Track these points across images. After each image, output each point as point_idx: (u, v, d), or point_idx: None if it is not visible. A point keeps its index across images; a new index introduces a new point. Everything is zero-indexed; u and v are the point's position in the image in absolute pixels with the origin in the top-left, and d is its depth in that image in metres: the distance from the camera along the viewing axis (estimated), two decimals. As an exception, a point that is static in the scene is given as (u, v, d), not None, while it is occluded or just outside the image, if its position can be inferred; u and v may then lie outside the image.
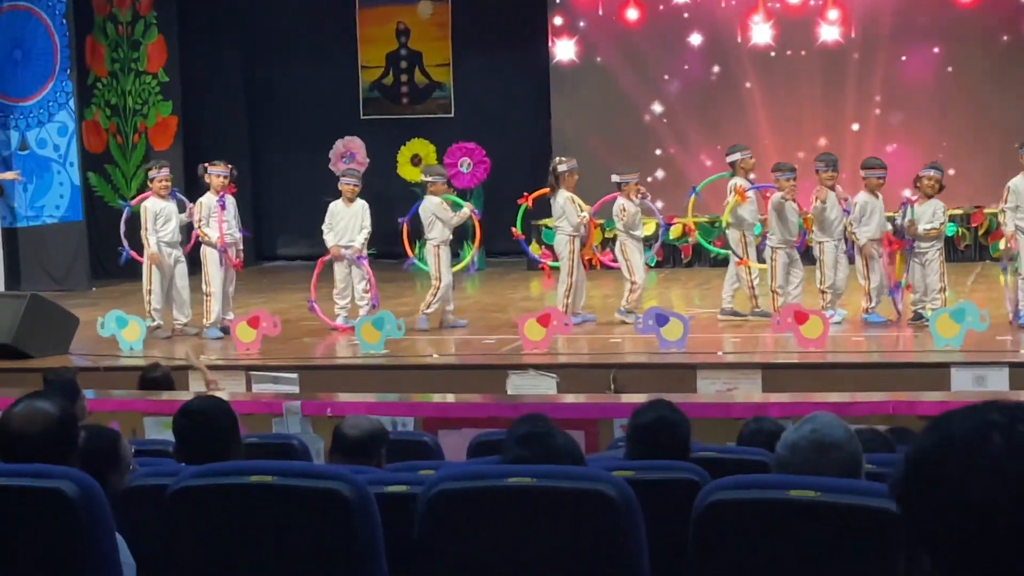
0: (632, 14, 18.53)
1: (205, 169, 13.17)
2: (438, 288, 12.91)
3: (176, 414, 5.27)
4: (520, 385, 10.47)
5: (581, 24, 18.74)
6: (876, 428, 5.91)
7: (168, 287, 13.03)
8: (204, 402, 5.47)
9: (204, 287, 12.98)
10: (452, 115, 19.65)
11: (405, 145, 19.32)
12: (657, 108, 18.62)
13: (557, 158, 13.39)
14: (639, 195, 13.14)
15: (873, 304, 12.32)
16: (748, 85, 18.27)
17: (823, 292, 12.42)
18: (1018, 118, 17.59)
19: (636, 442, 4.86)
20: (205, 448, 4.93)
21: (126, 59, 18.65)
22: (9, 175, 16.65)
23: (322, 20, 19.58)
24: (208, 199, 13.01)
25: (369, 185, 19.17)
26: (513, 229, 13.75)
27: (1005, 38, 17.74)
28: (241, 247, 13.39)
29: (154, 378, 9.56)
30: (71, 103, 17.52)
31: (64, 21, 17.39)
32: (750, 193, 12.87)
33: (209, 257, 12.96)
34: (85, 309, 13.69)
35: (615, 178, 13.25)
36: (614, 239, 13.69)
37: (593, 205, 13.31)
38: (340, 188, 13.38)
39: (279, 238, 20.34)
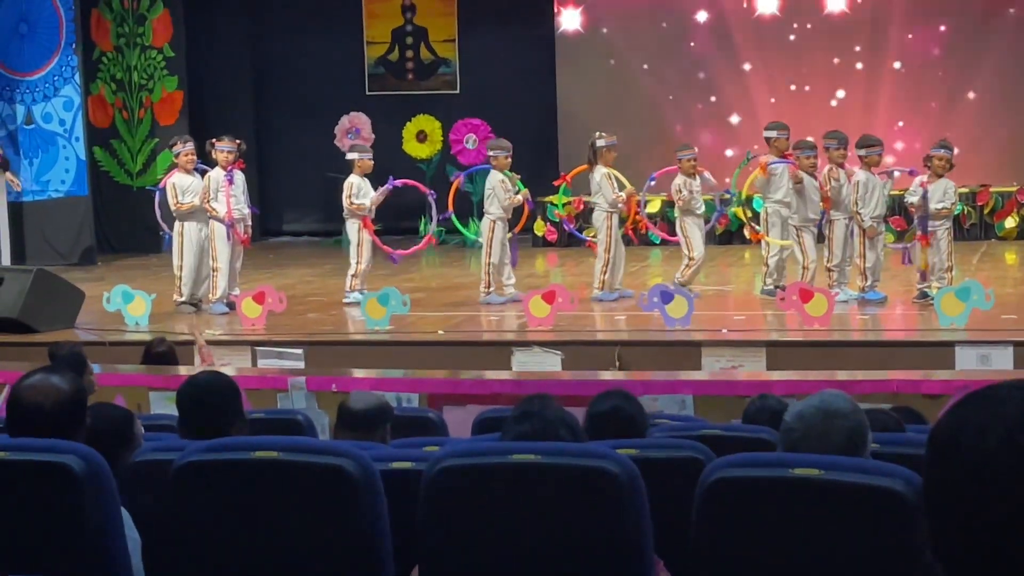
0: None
1: (212, 145, 13.16)
2: (488, 264, 12.89)
3: (179, 389, 5.27)
4: (525, 362, 10.48)
5: None
6: (884, 408, 5.91)
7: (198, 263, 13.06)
8: (208, 377, 5.47)
9: (211, 262, 12.99)
10: (458, 91, 19.62)
11: (411, 121, 19.30)
12: (663, 79, 18.56)
13: (596, 133, 13.28)
14: (696, 172, 13.12)
15: (870, 282, 12.33)
16: (752, 60, 18.21)
17: (830, 270, 12.42)
18: (1025, 97, 17.57)
19: (592, 431, 4.84)
20: (209, 423, 4.93)
21: (132, 33, 18.62)
22: (14, 183, 16.63)
23: (328, -5, 19.55)
24: (216, 174, 13.00)
25: (375, 161, 19.25)
26: (557, 212, 13.68)
27: (1012, 11, 17.67)
28: (249, 223, 13.40)
29: (159, 352, 9.58)
30: (76, 77, 17.50)
31: (69, -5, 17.39)
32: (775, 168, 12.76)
33: (216, 232, 12.96)
34: (91, 284, 13.71)
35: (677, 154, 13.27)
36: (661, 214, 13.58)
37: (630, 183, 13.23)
38: (357, 164, 13.26)
39: (284, 214, 20.33)
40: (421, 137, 19.23)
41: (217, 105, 19.35)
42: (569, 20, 18.70)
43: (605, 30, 18.67)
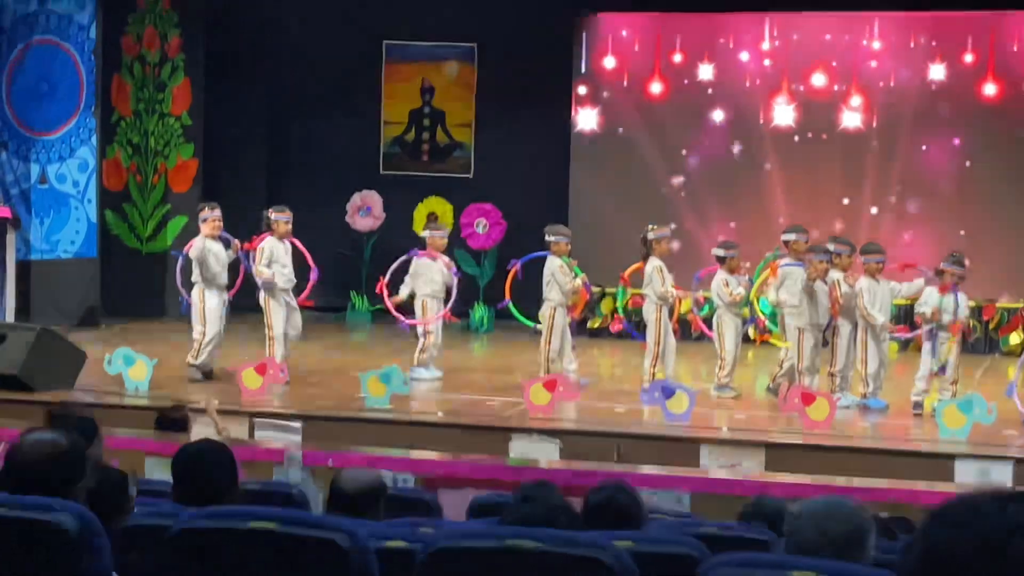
0: (656, 88, 18.62)
1: (269, 215, 13.41)
2: (548, 350, 12.92)
3: (175, 455, 5.26)
4: (523, 449, 10.45)
5: (605, 95, 18.83)
6: (877, 515, 5.88)
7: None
8: (204, 445, 5.45)
9: (267, 330, 13.13)
10: (471, 175, 19.71)
11: (422, 202, 19.37)
12: (676, 181, 18.68)
13: (649, 225, 13.41)
14: (741, 272, 13.14)
15: (871, 389, 12.33)
16: (768, 165, 18.33)
17: (832, 375, 12.42)
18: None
19: (589, 521, 4.82)
20: (203, 491, 4.91)
21: (151, 100, 18.75)
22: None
23: (348, 73, 19.68)
24: (270, 243, 13.20)
25: (384, 241, 19.33)
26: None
27: (1024, 134, 17.78)
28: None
29: (173, 419, 9.52)
30: (93, 139, 17.60)
31: (92, 58, 17.51)
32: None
33: (271, 301, 13.13)
34: (93, 346, 13.70)
35: (718, 252, 13.25)
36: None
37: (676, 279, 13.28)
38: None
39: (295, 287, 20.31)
40: (432, 219, 19.29)
41: (231, 175, 19.44)
42: (586, 120, 18.84)
43: (621, 129, 18.79)
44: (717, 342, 12.94)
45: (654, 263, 12.96)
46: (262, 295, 13.21)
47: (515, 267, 13.77)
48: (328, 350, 15.47)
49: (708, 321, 13.61)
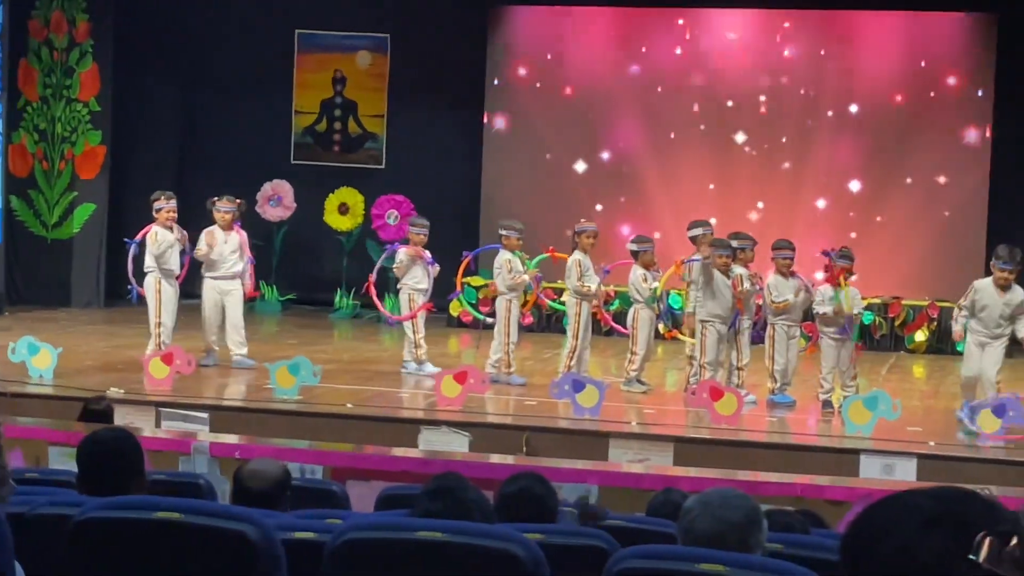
0: (568, 81, 18.67)
1: (212, 204, 13.52)
2: (508, 344, 12.94)
3: (80, 444, 5.18)
4: (432, 441, 10.42)
5: (517, 87, 18.85)
6: (789, 509, 5.93)
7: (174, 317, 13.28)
8: (110, 434, 5.37)
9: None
10: (383, 166, 19.64)
11: (333, 193, 19.27)
12: (586, 177, 18.73)
13: (581, 220, 13.53)
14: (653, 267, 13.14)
15: (779, 385, 12.44)
16: (679, 160, 18.42)
17: (740, 370, 12.53)
18: (943, 215, 17.86)
19: (501, 511, 4.81)
20: (108, 480, 4.84)
21: (59, 85, 18.49)
22: None
23: (260, 62, 19.53)
24: (217, 232, 13.43)
25: (295, 231, 19.22)
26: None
27: (933, 137, 17.99)
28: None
29: (96, 410, 9.38)
30: (-1, 124, 17.35)
31: (-1, 42, 17.26)
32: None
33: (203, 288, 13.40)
34: (-4, 333, 13.51)
35: (632, 247, 13.22)
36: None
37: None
38: (414, 239, 13.40)
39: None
40: (343, 209, 19.20)
41: (140, 162, 19.24)
42: (498, 112, 18.89)
43: (533, 122, 18.80)
44: (631, 336, 12.98)
45: (575, 257, 13.00)
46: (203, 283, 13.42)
47: (467, 259, 13.74)
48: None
49: (617, 316, 13.62)
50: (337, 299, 18.68)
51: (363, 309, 18.62)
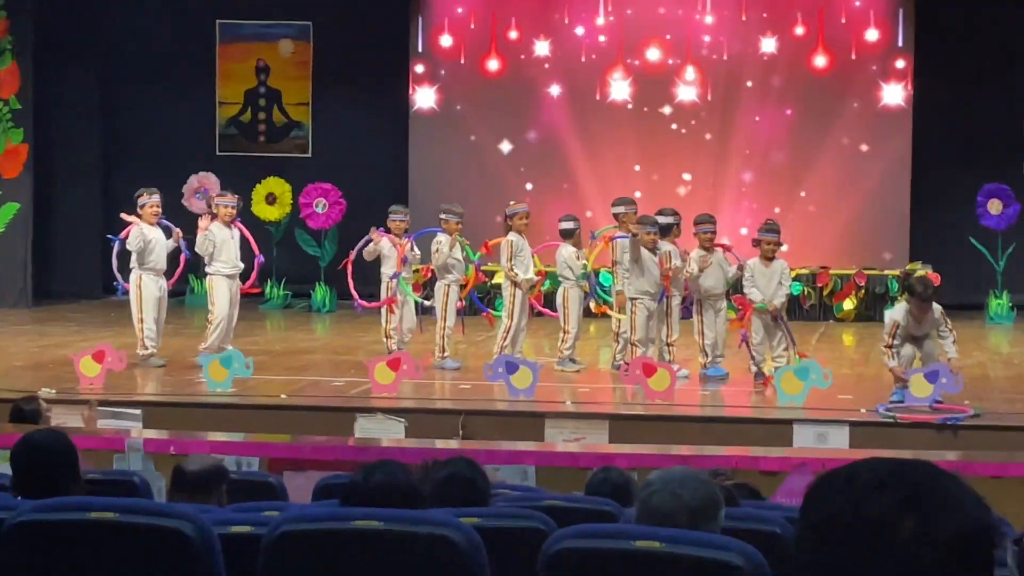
0: (493, 64, 18.68)
1: (213, 199, 13.42)
2: (444, 329, 12.92)
3: (14, 446, 5.15)
4: (368, 428, 10.42)
5: (442, 72, 18.84)
6: (720, 479, 5.97)
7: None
8: (44, 435, 5.35)
9: (208, 314, 13.16)
10: (309, 155, 19.58)
11: (260, 183, 19.17)
12: (513, 157, 18.76)
13: (511, 202, 13.46)
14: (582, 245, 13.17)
15: (710, 359, 12.53)
16: (605, 139, 18.49)
17: (670, 345, 12.62)
18: (867, 183, 18.04)
19: (434, 498, 4.77)
20: (44, 482, 4.82)
21: (-23, 84, 18.28)
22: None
23: (182, 53, 19.40)
24: (216, 228, 13.11)
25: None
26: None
27: (856, 105, 18.18)
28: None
29: (24, 411, 9.27)
30: (-82, 126, 17.12)
31: (-85, 42, 17.03)
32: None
33: (216, 285, 13.06)
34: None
35: (564, 226, 13.21)
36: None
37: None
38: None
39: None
40: (270, 199, 19.12)
41: (64, 158, 19.08)
42: (424, 98, 18.86)
43: (459, 106, 18.82)
44: (562, 316, 13.00)
45: (507, 239, 13.00)
46: (208, 279, 13.25)
47: (408, 241, 13.63)
48: (166, 336, 15.23)
49: (548, 296, 13.64)
50: (268, 289, 18.58)
51: (294, 299, 18.58)
